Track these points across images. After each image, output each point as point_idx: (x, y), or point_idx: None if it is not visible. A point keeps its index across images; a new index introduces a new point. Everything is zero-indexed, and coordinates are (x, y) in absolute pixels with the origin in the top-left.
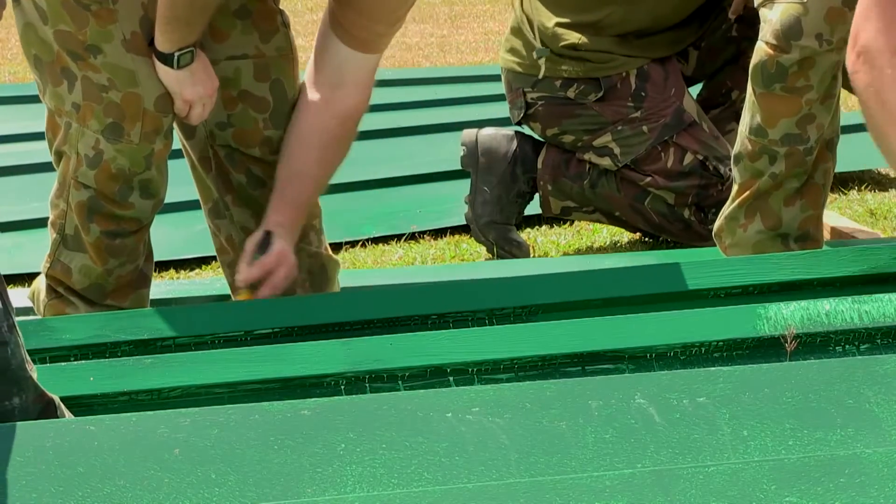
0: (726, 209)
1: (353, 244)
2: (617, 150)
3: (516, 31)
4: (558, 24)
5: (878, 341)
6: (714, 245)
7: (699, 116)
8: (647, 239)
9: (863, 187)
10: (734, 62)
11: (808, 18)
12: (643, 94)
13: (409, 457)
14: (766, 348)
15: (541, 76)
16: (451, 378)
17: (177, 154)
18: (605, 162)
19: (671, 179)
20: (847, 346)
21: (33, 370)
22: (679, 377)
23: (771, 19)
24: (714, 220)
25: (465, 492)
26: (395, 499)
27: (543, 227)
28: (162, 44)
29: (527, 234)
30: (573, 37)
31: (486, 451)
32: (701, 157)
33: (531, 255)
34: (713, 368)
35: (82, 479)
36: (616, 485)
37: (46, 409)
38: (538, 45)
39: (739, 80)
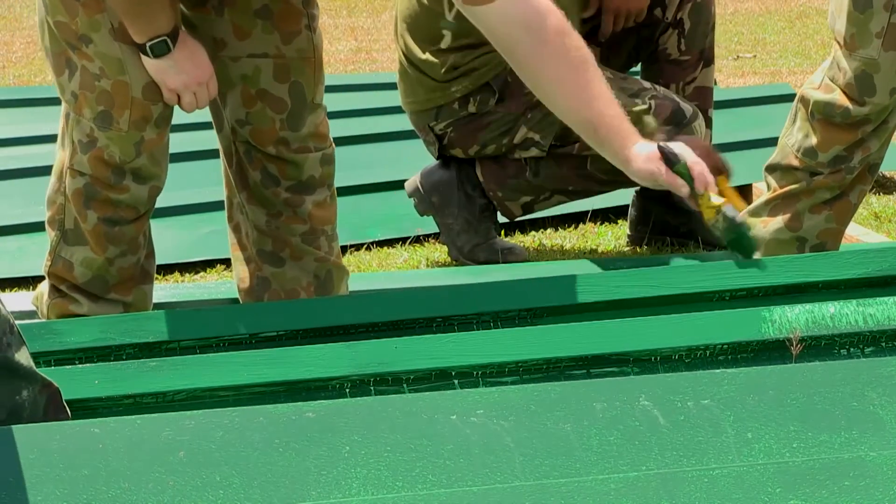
0: (751, 207)
1: (357, 247)
2: (537, 137)
3: (402, 75)
4: (431, 52)
5: (883, 344)
6: (713, 249)
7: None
8: (652, 243)
9: (867, 190)
10: (653, 59)
11: (880, 76)
12: None
13: (414, 459)
14: (771, 351)
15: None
16: (455, 381)
17: (182, 157)
18: (533, 152)
19: None
20: (852, 349)
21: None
22: (684, 379)
23: (845, 69)
24: None
25: (469, 494)
26: (399, 501)
27: (548, 230)
28: (132, 34)
29: (531, 238)
30: (449, 58)
31: (491, 453)
32: None
33: (536, 259)
34: (718, 371)
35: (87, 482)
36: (621, 487)
37: (54, 398)
38: (425, 78)
39: (668, 73)
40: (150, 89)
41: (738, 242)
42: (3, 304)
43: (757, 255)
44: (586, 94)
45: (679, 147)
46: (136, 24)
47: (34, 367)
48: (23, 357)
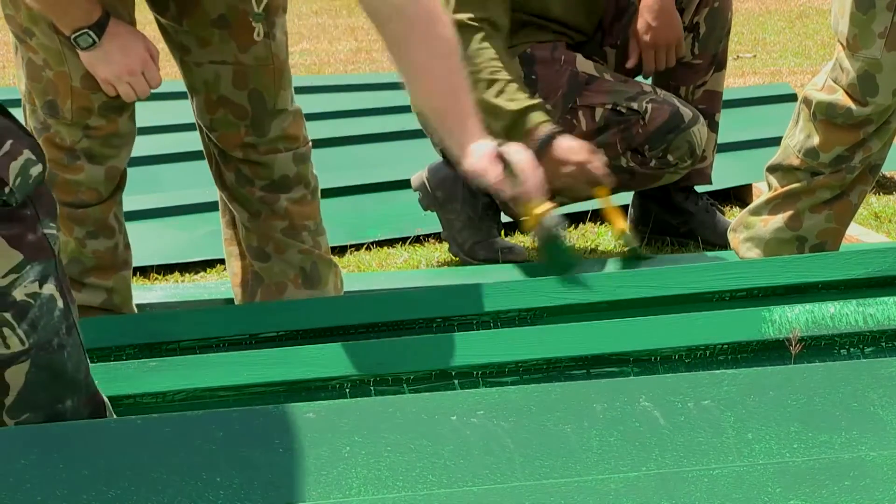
0: (751, 206)
1: (357, 247)
2: None
3: None
4: None
5: (883, 344)
6: (713, 248)
7: (597, 70)
8: (652, 242)
9: (868, 191)
10: None
11: (882, 76)
12: (533, 77)
13: (414, 460)
14: (771, 351)
15: None
16: (455, 381)
17: (181, 157)
18: None
19: (592, 138)
20: (852, 350)
21: (87, 369)
22: (684, 380)
23: (848, 70)
24: (653, 155)
25: (469, 495)
26: (399, 501)
27: None
28: (61, 28)
29: (531, 238)
30: None
31: (491, 454)
32: (610, 106)
33: (536, 259)
34: (718, 371)
35: (87, 482)
36: (621, 488)
37: (96, 412)
38: None
39: (679, 76)
40: (88, 79)
41: (552, 255)
42: (67, 305)
43: (576, 272)
44: (443, 85)
45: (518, 151)
46: (54, 18)
47: (84, 377)
48: (74, 363)
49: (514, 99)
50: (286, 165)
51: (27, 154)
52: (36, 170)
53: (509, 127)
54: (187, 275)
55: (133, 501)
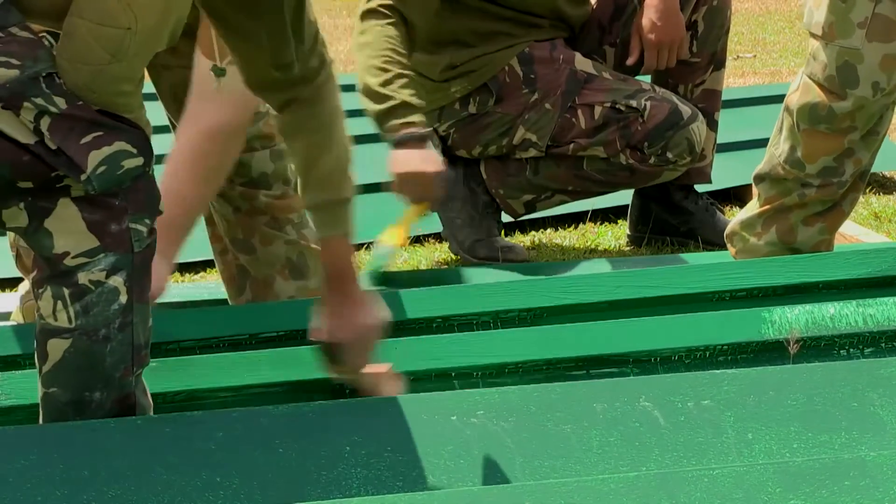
0: (744, 215)
1: (357, 247)
2: (534, 138)
3: None
4: (426, 52)
5: (883, 345)
6: (713, 248)
7: (596, 69)
8: (652, 242)
9: (867, 190)
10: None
11: (863, 66)
12: (532, 75)
13: (414, 459)
14: (771, 352)
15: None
16: (455, 381)
17: None
18: (532, 153)
19: (591, 136)
20: (852, 350)
21: (136, 371)
22: (684, 380)
23: (824, 61)
24: (653, 153)
25: (469, 494)
26: (399, 501)
27: (548, 230)
28: None
29: (531, 238)
30: (444, 58)
31: (491, 454)
32: (609, 104)
33: (536, 259)
34: (718, 371)
35: (87, 483)
36: (621, 488)
37: (123, 413)
38: (425, 80)
39: (677, 74)
40: None
41: None
42: (131, 303)
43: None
44: (192, 191)
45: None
46: None
47: (122, 376)
48: (115, 360)
49: (396, 91)
50: (264, 163)
51: (120, 146)
52: (131, 162)
53: (381, 115)
54: (187, 275)
55: (133, 501)
